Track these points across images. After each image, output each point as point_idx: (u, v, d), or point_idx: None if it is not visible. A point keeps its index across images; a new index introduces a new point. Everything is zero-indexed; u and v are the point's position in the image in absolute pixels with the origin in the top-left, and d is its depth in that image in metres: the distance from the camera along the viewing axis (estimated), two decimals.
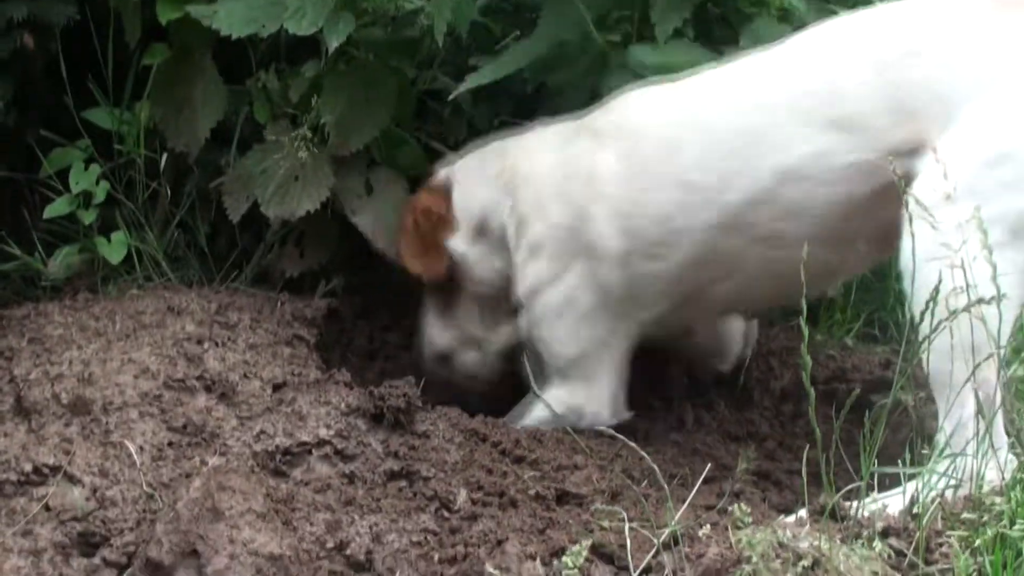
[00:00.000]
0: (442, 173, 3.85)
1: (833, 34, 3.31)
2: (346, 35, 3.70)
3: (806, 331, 2.56)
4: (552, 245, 3.58)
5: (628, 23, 3.90)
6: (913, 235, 2.86)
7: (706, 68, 3.49)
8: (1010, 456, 2.87)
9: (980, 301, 2.66)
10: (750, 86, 3.35)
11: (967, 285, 2.68)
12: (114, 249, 4.02)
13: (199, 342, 3.47)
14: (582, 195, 3.52)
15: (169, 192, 4.11)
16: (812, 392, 2.60)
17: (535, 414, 3.64)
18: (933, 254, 2.85)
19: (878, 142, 3.11)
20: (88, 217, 4.01)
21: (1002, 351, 2.75)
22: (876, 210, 3.14)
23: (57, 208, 4.03)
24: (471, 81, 3.90)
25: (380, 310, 4.20)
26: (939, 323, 2.63)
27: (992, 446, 2.76)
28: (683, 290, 3.50)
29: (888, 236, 3.09)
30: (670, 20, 3.75)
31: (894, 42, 3.16)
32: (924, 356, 2.82)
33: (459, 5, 3.87)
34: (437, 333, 3.90)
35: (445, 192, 3.80)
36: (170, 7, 3.92)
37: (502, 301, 3.76)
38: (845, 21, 3.34)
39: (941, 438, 2.88)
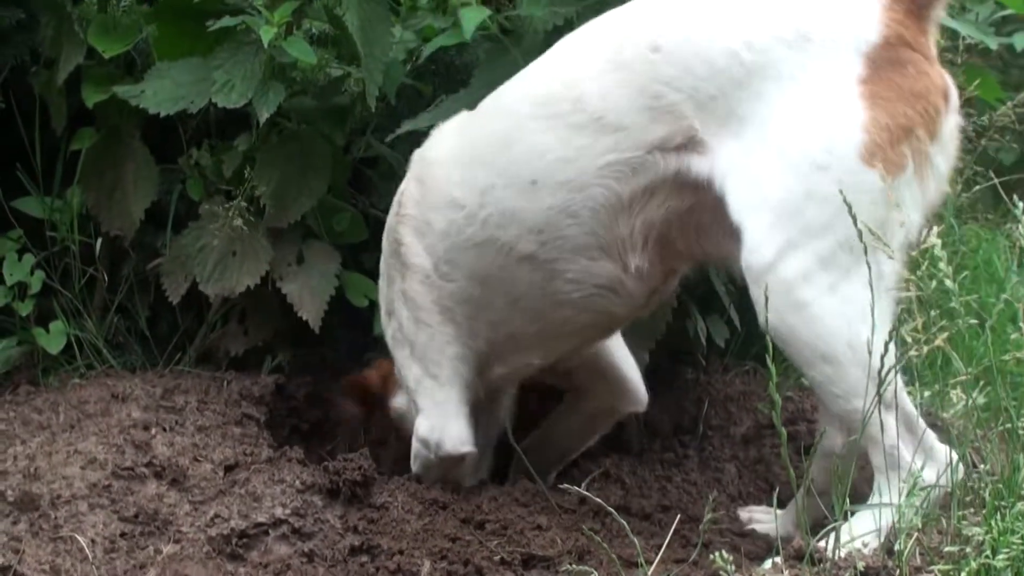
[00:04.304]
0: None
1: (577, 38, 3.24)
2: (276, 106, 3.67)
3: (773, 370, 2.48)
4: (385, 272, 3.56)
5: None
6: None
7: None
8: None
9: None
10: (507, 99, 3.33)
11: None
12: (53, 339, 3.95)
13: (146, 428, 3.41)
14: (394, 219, 3.51)
15: (106, 277, 4.06)
16: (784, 433, 2.53)
17: (413, 453, 3.53)
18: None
19: (635, 140, 3.05)
20: (24, 308, 3.95)
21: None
22: (644, 210, 3.10)
23: None
24: (407, 126, 3.84)
25: (329, 383, 4.14)
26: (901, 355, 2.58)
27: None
28: (489, 318, 3.42)
29: (669, 241, 3.12)
30: None
31: (635, 39, 3.07)
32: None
33: (389, 69, 3.83)
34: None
35: None
36: (96, 89, 3.88)
37: None
38: (591, 23, 3.26)
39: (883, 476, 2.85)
